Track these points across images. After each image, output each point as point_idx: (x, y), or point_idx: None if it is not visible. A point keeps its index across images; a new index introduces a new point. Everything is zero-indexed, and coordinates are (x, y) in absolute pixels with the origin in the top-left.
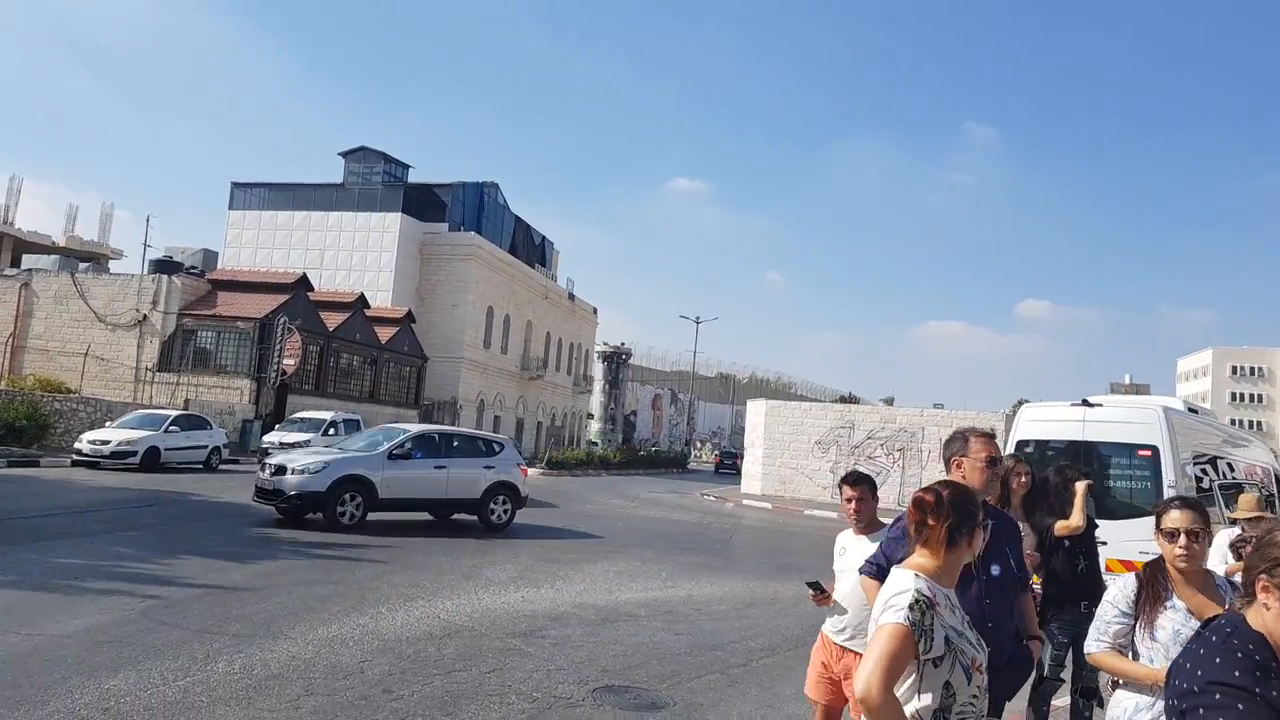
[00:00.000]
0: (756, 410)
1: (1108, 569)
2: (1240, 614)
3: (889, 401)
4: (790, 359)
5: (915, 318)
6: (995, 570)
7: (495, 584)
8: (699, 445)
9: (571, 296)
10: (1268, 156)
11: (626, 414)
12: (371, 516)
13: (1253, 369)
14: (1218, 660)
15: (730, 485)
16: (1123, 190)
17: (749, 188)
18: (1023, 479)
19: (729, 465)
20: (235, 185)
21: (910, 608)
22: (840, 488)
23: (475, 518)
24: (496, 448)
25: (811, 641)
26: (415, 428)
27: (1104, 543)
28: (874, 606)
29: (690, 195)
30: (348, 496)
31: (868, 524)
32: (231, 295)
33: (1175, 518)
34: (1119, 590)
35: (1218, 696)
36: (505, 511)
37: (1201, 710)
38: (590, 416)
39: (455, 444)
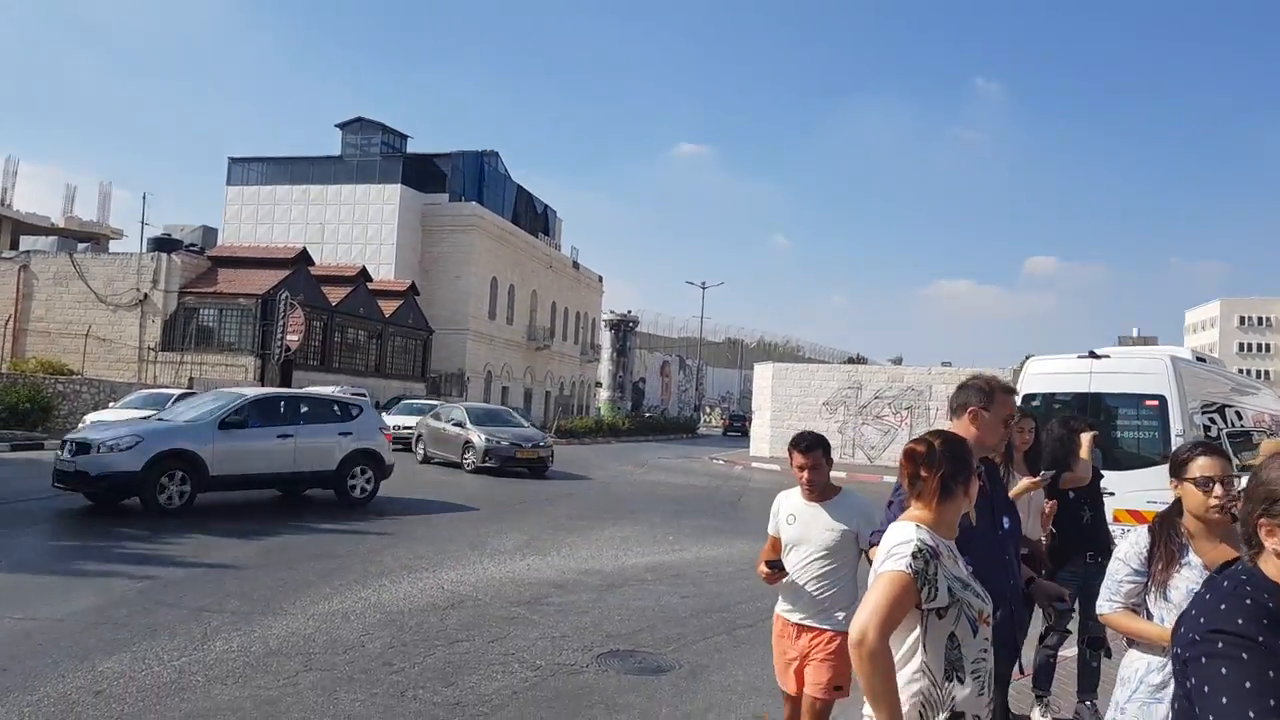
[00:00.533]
0: (764, 374)
1: (1115, 520)
2: (1255, 565)
3: (897, 361)
4: (798, 322)
5: (923, 277)
6: (1006, 523)
7: (501, 553)
8: (708, 410)
9: (576, 265)
10: (1276, 106)
11: (635, 381)
12: (203, 499)
13: (1260, 319)
14: (1223, 608)
15: (739, 449)
16: (1131, 144)
17: (753, 151)
18: (1025, 434)
19: (737, 428)
20: (233, 160)
21: (914, 556)
22: (790, 453)
23: (333, 492)
24: (354, 411)
25: None
26: (252, 391)
27: (1111, 494)
28: (874, 560)
29: (694, 160)
30: (171, 476)
31: (821, 491)
32: (232, 272)
33: (1206, 464)
34: (1130, 547)
35: (1220, 645)
36: (367, 484)
37: (1204, 659)
38: (599, 385)
39: (303, 409)
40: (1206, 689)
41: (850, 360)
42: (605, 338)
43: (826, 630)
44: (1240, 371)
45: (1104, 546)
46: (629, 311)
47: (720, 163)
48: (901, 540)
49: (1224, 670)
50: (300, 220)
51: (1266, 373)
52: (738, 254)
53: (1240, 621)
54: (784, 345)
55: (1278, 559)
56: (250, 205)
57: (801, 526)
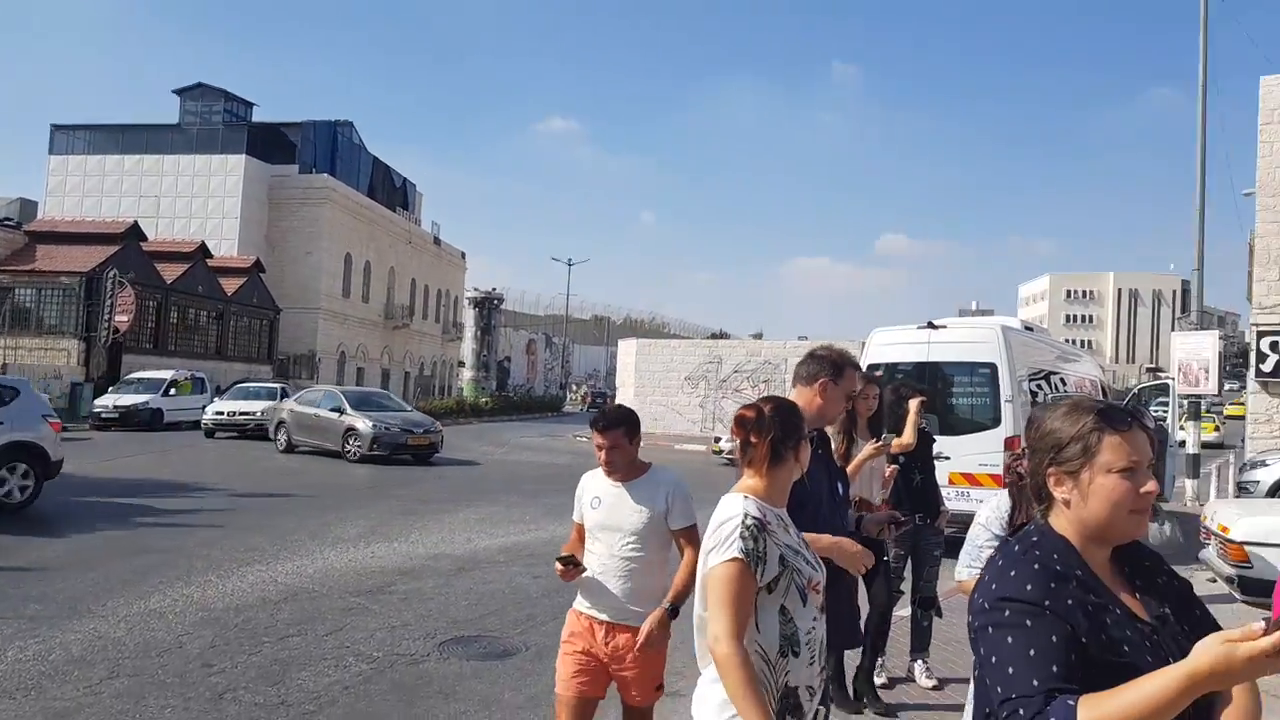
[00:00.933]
0: (627, 350)
1: (950, 483)
2: (1046, 523)
3: (757, 336)
4: (665, 298)
5: (784, 254)
6: (840, 489)
7: (344, 541)
8: (574, 388)
9: (437, 241)
10: (1105, 95)
11: (500, 360)
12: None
13: (1084, 292)
14: (1013, 574)
15: None
16: (977, 127)
17: (622, 127)
18: (870, 401)
19: (599, 405)
20: (55, 128)
21: (741, 537)
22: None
23: None
24: (6, 396)
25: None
26: None
27: (946, 458)
28: (703, 539)
29: (563, 135)
30: None
31: (626, 470)
32: (53, 248)
33: None
34: (992, 511)
35: (1007, 614)
36: (25, 486)
37: (990, 629)
38: (461, 364)
39: None
40: (994, 659)
41: (713, 335)
42: (469, 316)
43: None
44: (1067, 341)
45: (933, 508)
46: (494, 289)
47: (589, 138)
48: (726, 519)
49: (1010, 639)
50: (133, 192)
51: (1089, 342)
52: (607, 231)
53: (1029, 587)
54: (650, 321)
55: (1067, 509)
56: (76, 176)
57: (607, 510)
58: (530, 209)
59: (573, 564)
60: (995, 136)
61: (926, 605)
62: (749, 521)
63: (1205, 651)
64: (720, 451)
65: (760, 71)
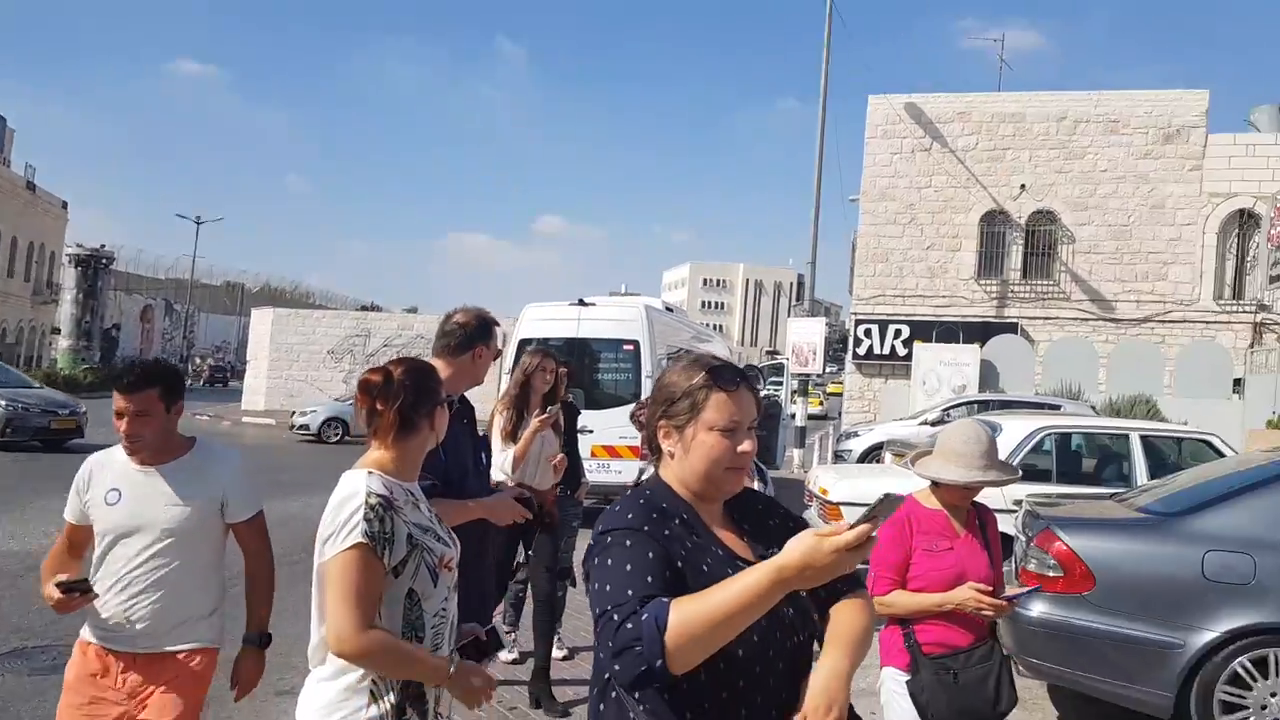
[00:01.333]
0: (262, 319)
1: (592, 455)
2: (657, 474)
3: (411, 310)
4: (312, 268)
5: (443, 228)
6: (483, 460)
7: None
8: (199, 361)
9: (32, 186)
10: (741, 100)
11: (107, 328)
12: None
13: (719, 281)
14: (619, 509)
15: (229, 402)
16: (628, 119)
17: (270, 79)
18: (548, 375)
19: (220, 379)
20: None
21: (365, 519)
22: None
23: None
24: None
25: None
26: None
27: (590, 430)
28: (320, 525)
29: (199, 80)
30: None
31: (158, 449)
32: None
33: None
34: None
35: (609, 540)
36: None
37: (596, 559)
38: (56, 331)
39: None
40: (596, 585)
41: (364, 308)
42: (68, 275)
43: (181, 650)
44: (703, 324)
45: (575, 480)
46: (102, 246)
47: (231, 86)
48: (346, 498)
49: (610, 562)
50: None
51: (721, 325)
52: (247, 191)
53: (630, 516)
54: (293, 291)
55: (671, 459)
56: None
57: (133, 505)
58: (155, 160)
59: (80, 590)
60: (644, 129)
61: (562, 575)
62: (373, 501)
63: (796, 544)
64: (294, 427)
65: (422, 37)
